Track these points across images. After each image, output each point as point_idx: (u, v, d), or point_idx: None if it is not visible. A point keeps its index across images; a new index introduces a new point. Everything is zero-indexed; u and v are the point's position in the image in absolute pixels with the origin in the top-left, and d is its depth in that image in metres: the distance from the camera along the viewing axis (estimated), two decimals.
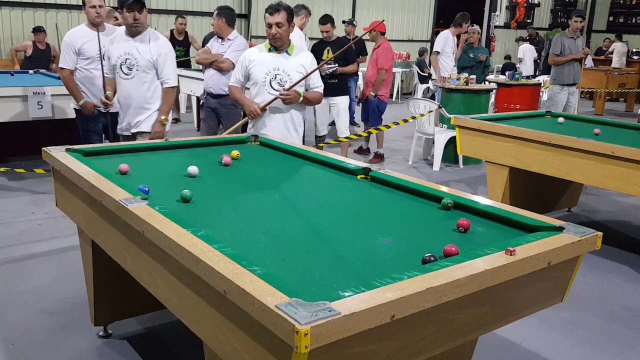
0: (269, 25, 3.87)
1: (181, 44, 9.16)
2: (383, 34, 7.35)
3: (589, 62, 12.70)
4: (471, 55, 8.50)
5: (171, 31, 9.21)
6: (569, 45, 7.19)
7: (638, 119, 7.13)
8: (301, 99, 3.93)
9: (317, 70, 4.04)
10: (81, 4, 4.78)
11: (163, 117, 4.24)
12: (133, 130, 4.27)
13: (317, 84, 4.06)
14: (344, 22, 9.30)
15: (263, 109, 3.87)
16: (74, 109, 4.84)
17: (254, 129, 3.97)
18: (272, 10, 3.86)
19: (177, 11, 10.88)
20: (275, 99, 3.85)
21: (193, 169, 2.68)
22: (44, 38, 8.81)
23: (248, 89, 4.18)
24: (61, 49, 4.54)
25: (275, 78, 3.89)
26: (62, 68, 4.71)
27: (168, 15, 10.74)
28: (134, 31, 4.14)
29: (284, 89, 3.86)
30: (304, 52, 4.07)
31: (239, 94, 4.09)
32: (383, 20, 6.45)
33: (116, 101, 4.41)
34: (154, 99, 4.24)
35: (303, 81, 3.93)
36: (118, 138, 4.66)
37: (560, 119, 5.15)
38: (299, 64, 3.93)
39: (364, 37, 8.67)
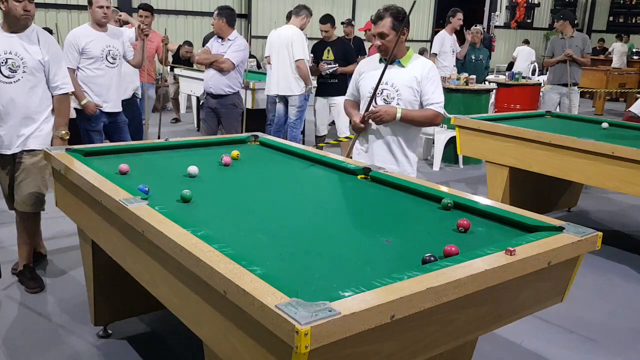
0: (374, 35, 3.40)
1: (184, 63, 9.29)
2: None
3: None
4: (472, 57, 8.47)
5: (178, 47, 9.27)
6: (558, 47, 7.37)
7: (624, 117, 7.15)
8: (398, 116, 3.22)
9: (439, 83, 3.36)
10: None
11: (64, 132, 3.59)
12: (18, 149, 3.49)
13: (432, 100, 3.26)
14: (342, 23, 9.30)
15: (362, 121, 3.34)
16: (75, 108, 4.83)
17: (357, 157, 3.46)
18: (376, 18, 3.34)
19: (177, 11, 10.89)
20: (369, 106, 3.31)
21: (193, 169, 2.68)
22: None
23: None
24: (64, 48, 4.50)
25: (382, 93, 3.31)
26: None
27: (168, 15, 10.75)
28: (21, 25, 3.42)
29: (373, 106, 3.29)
30: (421, 62, 3.33)
31: (349, 108, 3.56)
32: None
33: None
34: (43, 107, 3.55)
35: (414, 97, 3.28)
36: (122, 137, 4.63)
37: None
38: (411, 76, 3.26)
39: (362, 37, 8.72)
